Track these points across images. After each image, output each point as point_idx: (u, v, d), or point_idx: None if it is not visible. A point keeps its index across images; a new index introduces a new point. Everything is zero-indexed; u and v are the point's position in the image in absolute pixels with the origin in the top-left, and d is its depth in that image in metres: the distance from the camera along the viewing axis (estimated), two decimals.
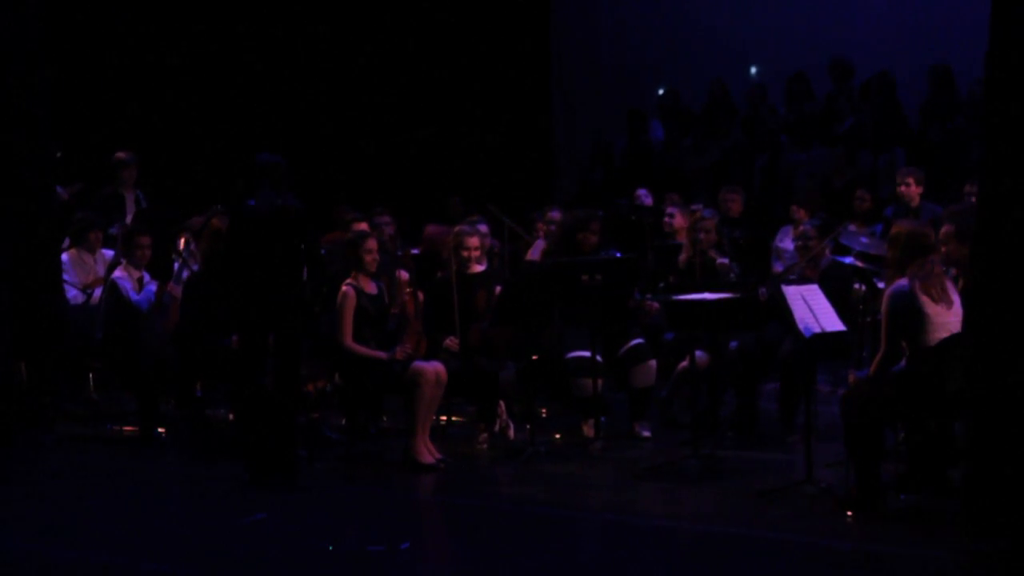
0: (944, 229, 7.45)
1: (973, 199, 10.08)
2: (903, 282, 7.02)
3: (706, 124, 14.56)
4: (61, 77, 14.22)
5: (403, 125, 15.52)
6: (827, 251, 9.16)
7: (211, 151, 14.74)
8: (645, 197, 12.19)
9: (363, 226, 9.87)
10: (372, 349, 8.66)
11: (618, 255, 9.45)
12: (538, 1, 16.22)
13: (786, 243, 11.14)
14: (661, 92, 15.26)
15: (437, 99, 15.63)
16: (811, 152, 13.54)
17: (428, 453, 8.51)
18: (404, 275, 9.48)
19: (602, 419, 9.23)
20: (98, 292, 10.31)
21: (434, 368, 8.57)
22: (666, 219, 10.53)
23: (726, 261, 9.45)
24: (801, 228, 9.49)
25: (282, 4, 15.43)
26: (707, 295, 8.27)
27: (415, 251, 10.19)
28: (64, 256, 10.74)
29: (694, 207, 10.45)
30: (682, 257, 9.67)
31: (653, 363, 9.30)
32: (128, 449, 9.46)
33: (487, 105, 15.61)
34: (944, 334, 6.95)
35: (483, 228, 9.96)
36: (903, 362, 7.03)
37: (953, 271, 7.37)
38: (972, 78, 13.02)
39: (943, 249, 7.35)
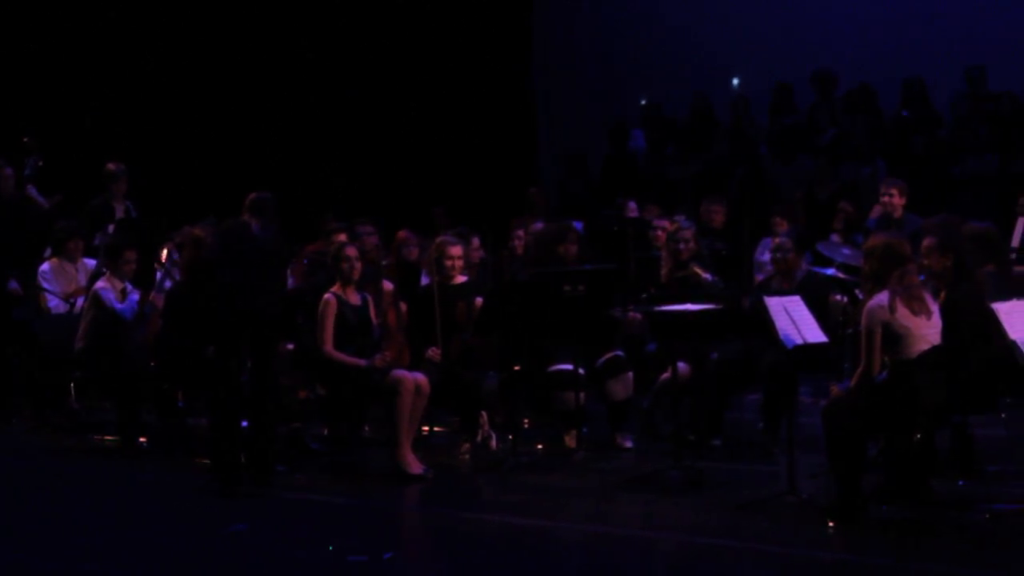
0: (925, 242, 7.46)
1: None
2: (882, 295, 7.03)
3: (689, 135, 14.58)
4: (46, 87, 14.26)
5: (385, 135, 15.52)
6: (802, 262, 9.18)
7: (197, 161, 14.72)
8: (632, 209, 12.17)
9: (343, 236, 9.86)
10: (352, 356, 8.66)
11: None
12: (520, 12, 16.24)
13: (766, 256, 11.15)
14: (643, 103, 15.28)
15: (420, 110, 15.63)
16: (794, 164, 13.57)
17: (415, 463, 8.50)
18: (388, 286, 9.48)
19: (584, 430, 9.23)
20: (80, 302, 10.29)
21: (414, 377, 8.56)
22: (652, 231, 10.47)
23: (709, 277, 9.40)
24: (776, 241, 9.51)
25: (269, 17, 15.42)
26: (689, 306, 8.27)
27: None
28: (45, 266, 10.74)
29: (676, 218, 10.43)
30: (663, 271, 9.62)
31: (630, 375, 9.27)
32: (109, 459, 9.44)
33: (470, 116, 15.62)
34: (924, 346, 6.96)
35: (474, 241, 9.98)
36: (884, 374, 7.05)
37: (934, 282, 7.39)
38: (953, 91, 13.11)
39: (924, 261, 7.36)
